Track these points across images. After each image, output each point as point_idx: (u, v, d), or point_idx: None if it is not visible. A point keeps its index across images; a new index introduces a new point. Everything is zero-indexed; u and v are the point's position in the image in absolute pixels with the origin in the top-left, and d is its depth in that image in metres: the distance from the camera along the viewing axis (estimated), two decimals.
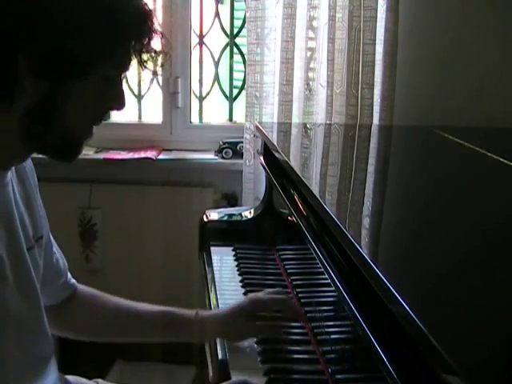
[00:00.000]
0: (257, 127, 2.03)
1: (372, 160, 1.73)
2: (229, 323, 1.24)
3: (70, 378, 1.30)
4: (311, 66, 2.33)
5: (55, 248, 1.25)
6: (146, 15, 0.98)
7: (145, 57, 1.01)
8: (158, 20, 1.02)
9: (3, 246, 1.00)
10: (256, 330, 1.27)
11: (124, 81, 1.06)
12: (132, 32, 0.97)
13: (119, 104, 1.03)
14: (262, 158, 1.81)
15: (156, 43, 1.02)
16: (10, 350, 1.02)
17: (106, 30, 0.93)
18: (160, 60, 1.03)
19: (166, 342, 1.31)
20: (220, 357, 1.25)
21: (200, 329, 1.24)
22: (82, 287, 1.32)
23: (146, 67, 1.02)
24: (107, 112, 1.04)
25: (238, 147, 2.48)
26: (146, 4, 0.99)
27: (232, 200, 2.55)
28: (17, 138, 0.97)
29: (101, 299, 1.30)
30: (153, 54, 1.01)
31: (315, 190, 1.34)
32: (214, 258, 1.72)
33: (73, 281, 1.31)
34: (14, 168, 1.06)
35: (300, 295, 1.44)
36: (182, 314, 1.26)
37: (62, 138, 0.98)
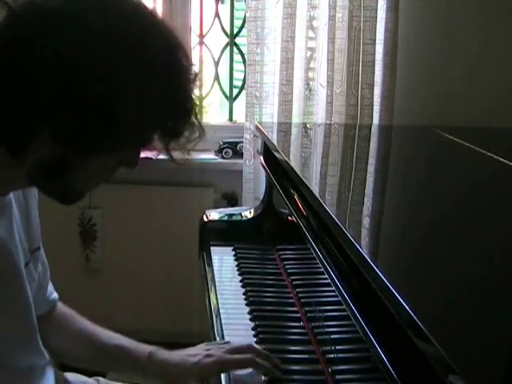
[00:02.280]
0: (257, 127, 2.03)
1: (372, 160, 1.73)
2: (178, 380, 1.13)
3: (69, 375, 1.30)
4: (311, 65, 2.34)
5: (40, 260, 1.18)
6: (188, 112, 0.95)
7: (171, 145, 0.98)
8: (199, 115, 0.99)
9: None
10: None
11: None
12: (167, 127, 0.95)
13: (132, 168, 0.99)
14: (261, 157, 1.81)
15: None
16: None
17: (141, 122, 0.90)
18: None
19: (165, 342, 1.30)
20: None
21: (147, 373, 1.16)
22: (60, 306, 1.26)
23: (170, 155, 1.00)
24: (116, 171, 1.00)
25: (238, 147, 2.48)
26: (192, 98, 0.95)
27: (232, 200, 2.55)
28: (22, 180, 0.95)
29: (69, 319, 1.25)
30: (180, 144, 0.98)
31: (315, 190, 1.34)
32: (214, 258, 1.72)
33: (53, 296, 1.25)
34: None
35: (300, 295, 1.44)
36: (134, 351, 1.17)
37: (67, 191, 0.97)
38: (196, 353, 1.16)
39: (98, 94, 0.84)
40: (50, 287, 1.24)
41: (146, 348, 1.17)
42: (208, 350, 1.16)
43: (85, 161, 0.91)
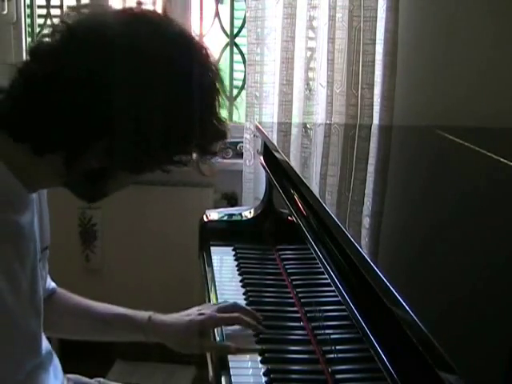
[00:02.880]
0: (257, 127, 2.03)
1: (372, 160, 1.73)
2: (178, 336, 1.27)
3: (70, 377, 1.31)
4: (311, 65, 2.33)
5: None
6: (224, 134, 1.06)
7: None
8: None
9: (28, 264, 1.03)
10: (201, 348, 1.28)
11: None
12: (204, 150, 1.05)
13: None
14: (261, 158, 1.82)
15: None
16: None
17: (183, 146, 1.01)
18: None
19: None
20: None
21: (148, 334, 1.28)
22: (57, 289, 1.33)
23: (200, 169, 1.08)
24: None
25: (238, 147, 2.48)
26: (225, 120, 1.05)
27: (232, 200, 2.55)
28: (57, 179, 1.02)
29: (64, 298, 1.32)
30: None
31: (315, 190, 1.34)
32: (214, 258, 1.72)
33: (52, 285, 1.31)
34: None
35: (300, 295, 1.44)
36: (135, 317, 1.30)
37: (97, 193, 1.06)
38: (190, 313, 1.31)
39: (154, 122, 0.94)
40: (49, 279, 1.29)
41: (144, 313, 1.30)
42: (199, 310, 1.32)
43: (123, 176, 1.03)
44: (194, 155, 1.05)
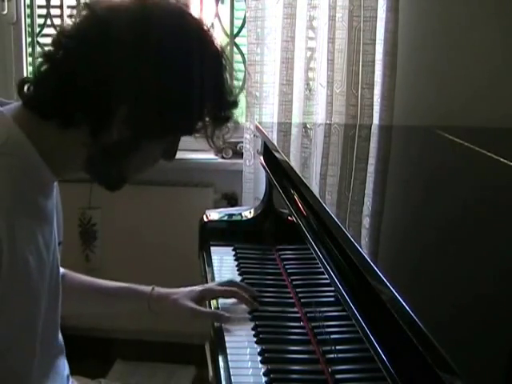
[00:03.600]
0: (257, 127, 2.03)
1: (372, 160, 1.73)
2: (176, 304, 1.38)
3: (71, 377, 1.31)
4: (311, 65, 2.33)
5: None
6: (235, 103, 1.12)
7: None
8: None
9: (50, 250, 1.08)
10: (196, 313, 1.38)
11: None
12: (217, 115, 1.09)
13: (170, 160, 1.15)
14: (261, 157, 1.82)
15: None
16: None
17: (198, 107, 1.06)
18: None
19: (165, 342, 1.33)
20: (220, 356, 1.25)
21: (151, 302, 1.40)
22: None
23: (213, 142, 1.12)
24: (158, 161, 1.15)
25: (238, 147, 2.48)
26: (236, 96, 1.12)
27: (232, 200, 2.55)
28: (81, 160, 1.07)
29: (67, 277, 1.36)
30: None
31: (315, 190, 1.34)
32: (214, 258, 1.72)
33: (61, 271, 1.34)
34: None
35: (300, 295, 1.44)
36: (139, 288, 1.43)
37: (119, 175, 1.12)
38: (191, 287, 1.44)
39: (167, 85, 1.01)
40: None
41: (146, 286, 1.43)
42: (201, 285, 1.45)
43: (144, 146, 1.06)
44: (208, 125, 1.10)
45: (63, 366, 1.22)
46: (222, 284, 1.46)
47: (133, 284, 1.44)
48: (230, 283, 1.47)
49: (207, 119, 1.09)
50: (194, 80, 1.04)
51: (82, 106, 1.01)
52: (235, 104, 1.12)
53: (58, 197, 1.19)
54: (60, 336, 1.20)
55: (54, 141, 1.04)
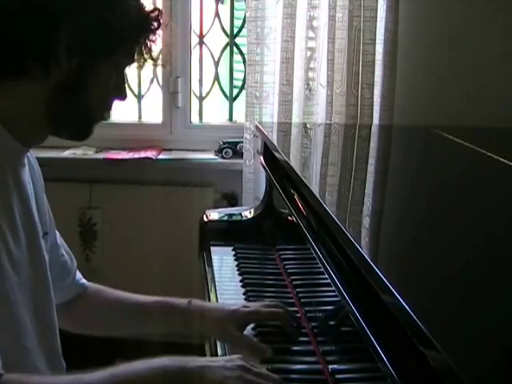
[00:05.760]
0: (257, 127, 2.03)
1: (372, 160, 1.73)
2: (219, 324, 1.24)
3: None
4: (311, 65, 2.34)
5: (64, 250, 1.31)
6: (159, 14, 1.11)
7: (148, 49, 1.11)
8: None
9: (21, 226, 1.05)
10: (241, 341, 1.24)
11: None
12: (148, 22, 1.08)
13: (124, 94, 1.13)
14: (261, 157, 1.81)
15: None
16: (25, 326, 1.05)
17: (134, 16, 1.06)
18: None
19: (165, 342, 1.31)
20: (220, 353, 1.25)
21: (188, 318, 1.26)
22: (89, 285, 1.38)
23: (150, 57, 1.11)
24: (113, 100, 1.12)
25: (237, 147, 2.48)
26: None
27: (232, 200, 2.55)
28: (42, 113, 1.04)
29: (103, 294, 1.36)
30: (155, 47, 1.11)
31: (315, 190, 1.34)
32: (214, 258, 1.72)
33: (82, 281, 1.36)
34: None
35: (300, 295, 1.44)
36: (174, 301, 1.29)
37: (82, 113, 1.07)
38: (234, 303, 1.33)
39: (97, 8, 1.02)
40: (79, 274, 1.35)
41: (182, 299, 1.29)
42: (245, 305, 1.31)
43: (95, 71, 1.05)
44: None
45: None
46: (267, 306, 1.31)
47: (168, 297, 1.31)
48: (275, 305, 1.32)
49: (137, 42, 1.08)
50: None
51: (22, 45, 0.99)
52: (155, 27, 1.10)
53: (38, 186, 1.16)
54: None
55: (9, 103, 1.03)
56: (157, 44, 1.12)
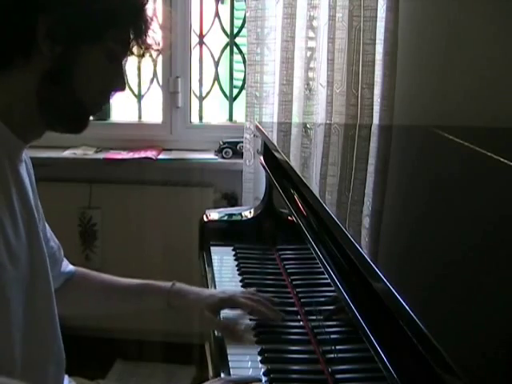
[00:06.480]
0: (257, 127, 2.03)
1: (372, 160, 1.73)
2: (196, 305, 1.34)
3: (70, 378, 1.31)
4: (311, 65, 2.34)
5: (52, 241, 1.30)
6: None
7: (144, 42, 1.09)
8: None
9: (21, 219, 1.06)
10: (213, 323, 1.33)
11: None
12: (136, 7, 1.06)
13: (121, 84, 1.11)
14: (261, 157, 1.82)
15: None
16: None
17: (119, 1, 1.04)
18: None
19: (165, 342, 1.32)
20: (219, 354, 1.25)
21: (171, 298, 1.36)
22: (75, 270, 1.40)
23: (146, 49, 1.10)
24: (111, 91, 1.11)
25: (237, 147, 2.48)
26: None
27: (232, 200, 2.55)
28: (34, 104, 1.04)
29: (88, 278, 1.39)
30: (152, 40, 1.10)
31: (315, 190, 1.34)
32: (214, 258, 1.72)
33: (69, 268, 1.37)
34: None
35: (300, 295, 1.44)
36: (160, 283, 1.40)
37: (72, 103, 1.06)
38: (212, 290, 1.43)
39: None
40: (66, 262, 1.36)
41: (166, 282, 1.39)
42: (223, 291, 1.40)
43: (80, 57, 1.03)
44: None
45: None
46: (244, 294, 1.39)
47: (152, 280, 1.42)
48: (253, 294, 1.39)
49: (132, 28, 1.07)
50: None
51: (1, 36, 0.99)
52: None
53: (33, 179, 1.17)
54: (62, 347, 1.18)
55: (2, 95, 1.03)
56: (155, 31, 1.09)
